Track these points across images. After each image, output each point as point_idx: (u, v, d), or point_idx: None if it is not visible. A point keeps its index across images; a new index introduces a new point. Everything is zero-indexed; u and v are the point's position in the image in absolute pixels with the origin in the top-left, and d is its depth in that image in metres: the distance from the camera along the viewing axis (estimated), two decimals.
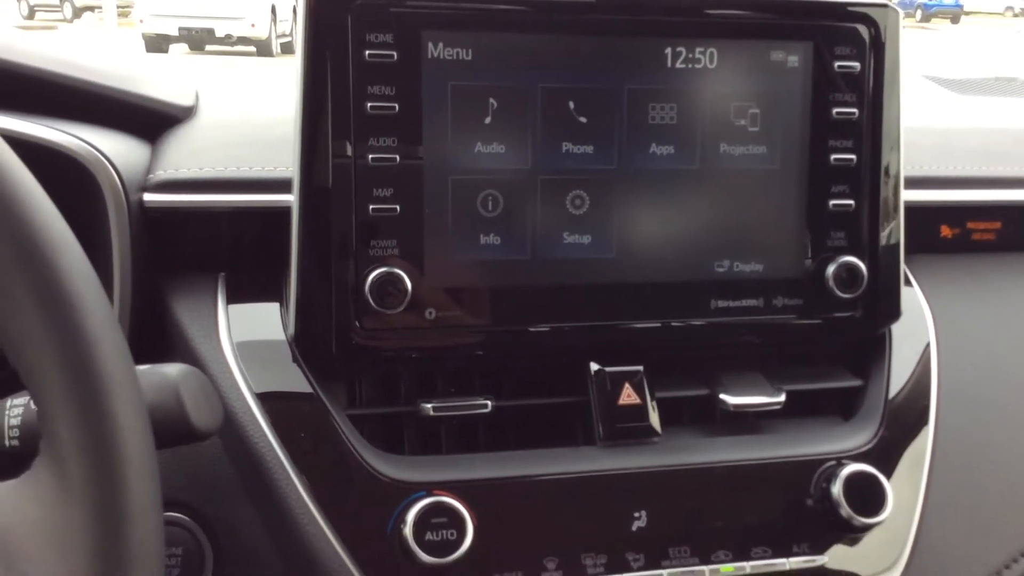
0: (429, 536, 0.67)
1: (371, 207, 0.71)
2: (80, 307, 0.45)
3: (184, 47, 12.64)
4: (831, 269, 0.79)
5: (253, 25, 11.99)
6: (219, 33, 12.07)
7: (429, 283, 0.72)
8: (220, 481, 0.71)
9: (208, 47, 12.51)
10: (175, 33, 12.09)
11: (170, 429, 0.57)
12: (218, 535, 0.71)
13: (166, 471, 0.70)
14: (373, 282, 0.70)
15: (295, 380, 0.72)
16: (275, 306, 0.76)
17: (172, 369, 0.58)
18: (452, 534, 0.67)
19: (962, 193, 0.96)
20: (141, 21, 12.17)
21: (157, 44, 12.19)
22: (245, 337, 0.74)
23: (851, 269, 0.79)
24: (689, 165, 0.77)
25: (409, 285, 0.71)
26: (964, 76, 1.59)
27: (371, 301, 0.70)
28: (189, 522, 0.71)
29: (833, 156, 0.79)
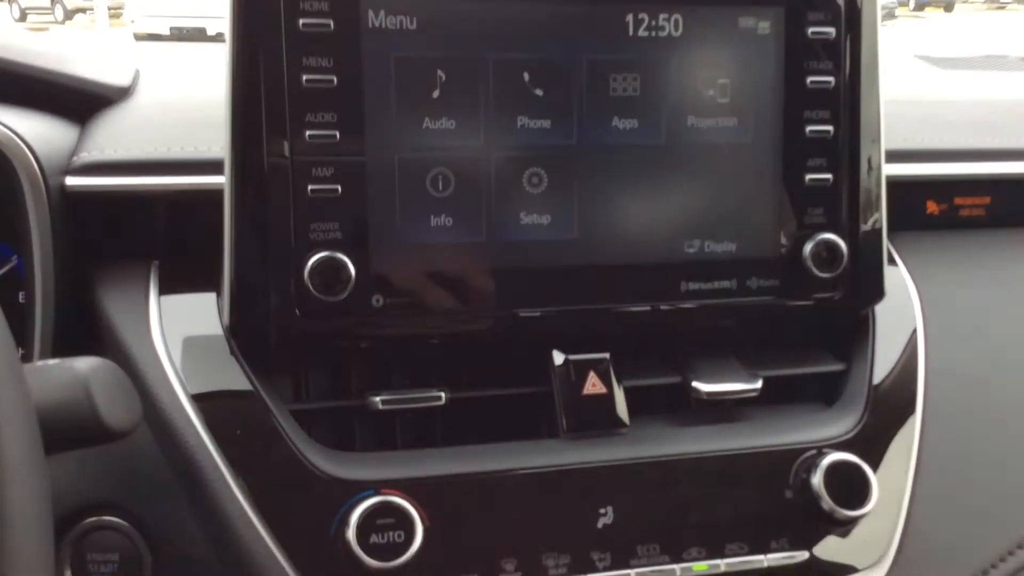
0: (374, 539, 0.63)
1: (310, 188, 0.66)
2: None
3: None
4: (809, 247, 0.75)
5: None
6: (211, 32, 11.97)
7: (375, 269, 0.68)
8: (156, 482, 0.67)
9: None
10: (167, 32, 12.03)
11: (80, 429, 0.52)
12: (156, 539, 0.66)
13: (98, 471, 0.66)
14: (313, 268, 0.66)
15: (231, 374, 0.68)
16: (212, 297, 0.72)
17: (82, 363, 0.53)
18: (399, 536, 0.63)
19: (949, 167, 0.92)
20: (132, 21, 12.14)
21: None
22: (179, 329, 0.69)
23: (830, 247, 0.75)
24: (654, 140, 0.73)
25: (353, 271, 0.66)
26: (955, 55, 1.55)
27: (312, 288, 0.66)
28: (125, 526, 0.66)
29: (809, 128, 0.75)
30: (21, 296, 0.78)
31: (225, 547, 0.64)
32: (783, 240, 0.75)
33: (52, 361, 0.53)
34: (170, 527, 0.66)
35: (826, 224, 0.76)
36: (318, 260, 0.66)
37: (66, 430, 0.51)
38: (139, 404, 0.56)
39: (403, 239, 0.69)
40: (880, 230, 0.78)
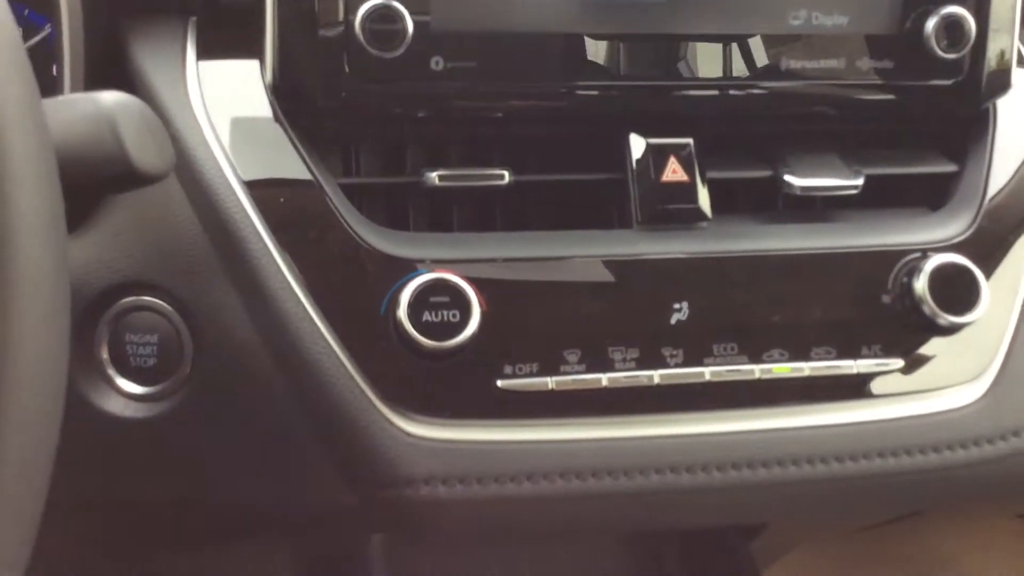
0: (427, 317, 0.57)
1: None
2: None
3: None
4: (932, 23, 0.66)
5: None
6: None
7: (436, 24, 0.60)
8: (198, 261, 0.61)
9: None
10: None
11: (106, 168, 0.46)
12: (197, 320, 0.61)
13: (137, 248, 0.61)
14: (366, 16, 0.58)
15: (276, 142, 0.61)
16: (255, 62, 0.64)
17: (108, 97, 0.47)
18: (454, 315, 0.58)
19: None
20: None
21: None
22: (219, 89, 0.63)
23: (955, 23, 0.66)
24: None
25: (411, 25, 0.59)
26: None
27: (363, 40, 0.58)
28: (166, 307, 0.61)
29: None
30: (55, 70, 0.72)
31: (270, 326, 0.60)
32: (903, 13, 0.66)
33: (75, 95, 0.48)
34: (212, 310, 0.61)
35: None
36: (371, 8, 0.58)
37: (89, 169, 0.46)
38: (171, 148, 0.50)
39: None
40: (1014, 9, 0.68)
